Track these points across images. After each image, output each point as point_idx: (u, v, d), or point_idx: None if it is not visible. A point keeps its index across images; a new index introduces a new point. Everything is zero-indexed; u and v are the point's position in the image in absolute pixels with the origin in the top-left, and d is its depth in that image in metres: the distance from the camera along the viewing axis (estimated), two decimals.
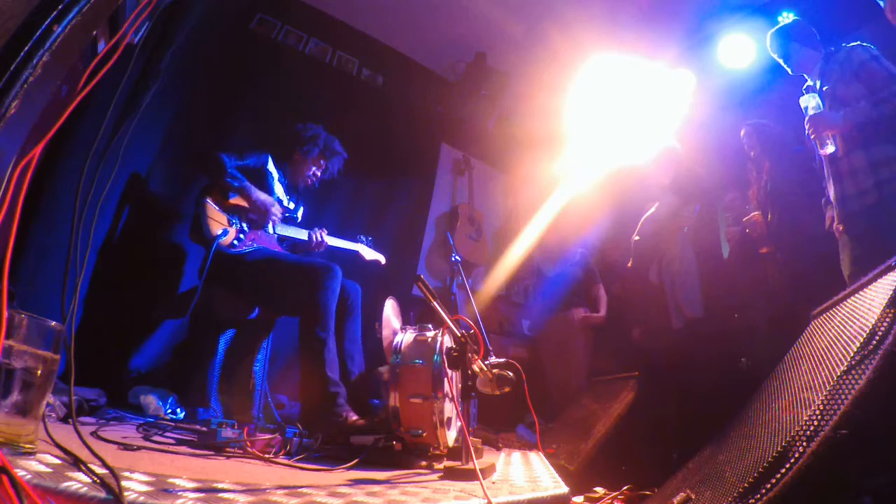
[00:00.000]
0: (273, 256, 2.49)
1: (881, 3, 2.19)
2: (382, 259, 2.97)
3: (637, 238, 3.44)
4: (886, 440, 0.89)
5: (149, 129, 2.73)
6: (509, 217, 4.93)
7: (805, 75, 2.49)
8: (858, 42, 2.28)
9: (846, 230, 2.27)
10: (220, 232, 2.38)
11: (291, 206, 2.79)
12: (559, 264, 3.98)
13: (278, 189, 2.71)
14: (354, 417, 2.02)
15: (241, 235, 2.47)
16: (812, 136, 2.26)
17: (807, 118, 2.28)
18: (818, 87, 2.39)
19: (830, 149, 2.20)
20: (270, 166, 2.67)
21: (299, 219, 2.85)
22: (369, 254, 2.92)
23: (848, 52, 2.27)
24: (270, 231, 2.61)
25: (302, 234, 2.73)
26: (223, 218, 2.45)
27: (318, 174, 2.87)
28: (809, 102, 2.32)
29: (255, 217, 2.53)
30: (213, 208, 2.44)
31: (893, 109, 2.09)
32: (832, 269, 2.34)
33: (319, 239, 2.73)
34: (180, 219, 2.98)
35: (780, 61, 2.56)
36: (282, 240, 2.68)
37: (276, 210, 2.58)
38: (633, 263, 3.51)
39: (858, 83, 2.20)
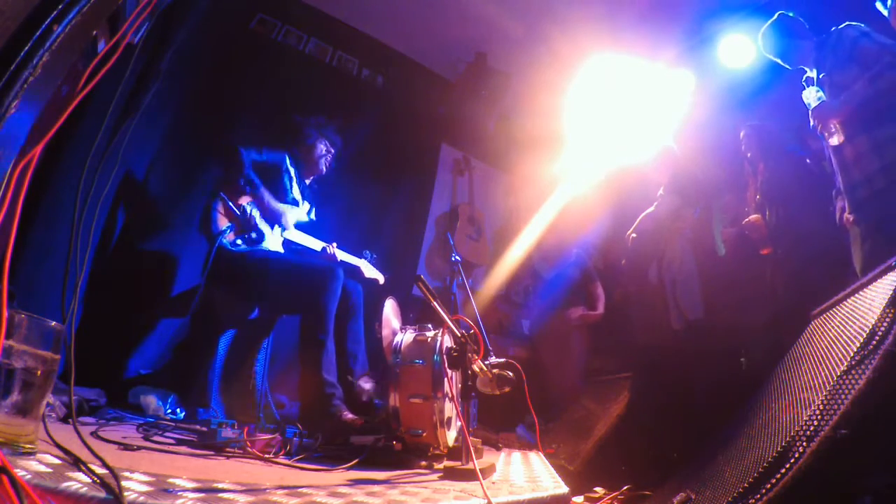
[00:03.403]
0: (275, 257, 2.49)
1: (884, 12, 2.18)
2: (381, 278, 2.96)
3: (634, 235, 3.43)
4: (886, 440, 0.89)
5: (149, 128, 2.73)
6: (509, 217, 4.92)
7: (804, 67, 2.47)
8: (847, 22, 2.25)
9: (856, 220, 2.21)
10: (224, 227, 2.38)
11: (306, 206, 2.78)
12: (556, 266, 3.98)
13: (295, 190, 2.70)
14: (351, 416, 2.02)
15: (251, 234, 2.47)
16: (819, 129, 2.23)
17: (810, 111, 2.27)
18: (815, 76, 2.37)
19: (837, 139, 2.15)
20: (288, 165, 2.66)
21: (313, 218, 2.84)
22: (370, 271, 2.92)
23: (838, 34, 2.24)
24: (276, 234, 2.60)
25: (315, 246, 2.73)
26: (231, 214, 2.45)
27: (328, 158, 2.85)
28: (811, 96, 2.30)
29: (265, 220, 2.52)
30: (224, 203, 2.44)
31: (889, 82, 2.03)
32: (832, 268, 2.34)
33: (332, 254, 2.73)
34: (180, 217, 2.98)
35: (777, 59, 2.55)
36: (286, 242, 2.67)
37: (287, 219, 2.57)
38: (629, 261, 3.51)
39: (854, 65, 2.16)
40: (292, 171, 2.70)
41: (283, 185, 2.64)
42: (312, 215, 2.84)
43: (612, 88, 3.53)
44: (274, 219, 2.53)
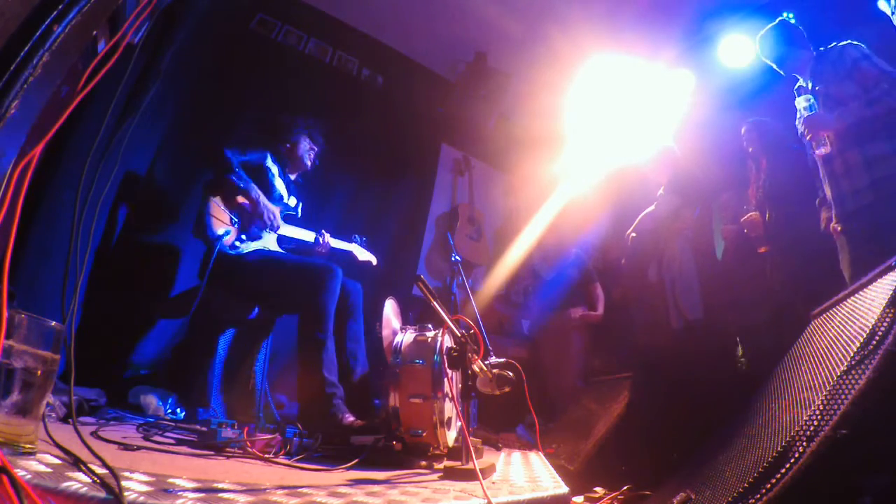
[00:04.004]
0: (273, 257, 2.50)
1: (887, 10, 2.18)
2: (374, 260, 2.99)
3: (633, 235, 3.44)
4: (886, 440, 0.89)
5: (149, 129, 2.73)
6: (509, 217, 4.92)
7: (797, 76, 2.48)
8: (849, 41, 2.27)
9: (844, 230, 2.24)
10: (222, 232, 2.38)
11: (293, 201, 2.80)
12: (556, 266, 3.98)
13: (279, 185, 2.71)
14: (351, 419, 2.02)
15: (243, 235, 2.47)
16: (807, 137, 2.25)
17: (800, 119, 2.27)
18: (810, 87, 2.38)
19: (825, 150, 2.19)
20: (270, 163, 2.68)
21: (299, 214, 2.86)
22: (362, 254, 2.94)
23: (839, 51, 2.25)
24: (271, 235, 2.61)
25: (308, 237, 2.73)
26: (226, 217, 2.45)
27: (311, 154, 2.88)
28: (803, 104, 2.31)
29: (256, 221, 2.53)
30: (217, 206, 2.44)
31: (886, 108, 2.06)
32: (831, 268, 2.34)
33: (325, 242, 2.74)
34: (180, 218, 2.98)
35: (773, 65, 2.55)
36: (281, 239, 2.68)
37: (277, 220, 2.59)
38: (628, 260, 3.51)
39: (851, 82, 2.18)
40: (275, 168, 2.71)
41: (269, 182, 2.65)
42: (299, 211, 2.85)
43: (612, 88, 3.53)
44: (266, 218, 2.54)
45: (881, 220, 2.07)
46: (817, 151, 2.22)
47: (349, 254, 2.90)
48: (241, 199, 2.50)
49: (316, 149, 2.90)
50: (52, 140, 0.94)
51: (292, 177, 2.86)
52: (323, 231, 2.77)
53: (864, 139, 2.13)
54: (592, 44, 3.48)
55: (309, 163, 2.88)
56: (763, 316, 2.88)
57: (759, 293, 2.97)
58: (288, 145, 2.81)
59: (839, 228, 2.27)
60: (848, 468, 0.88)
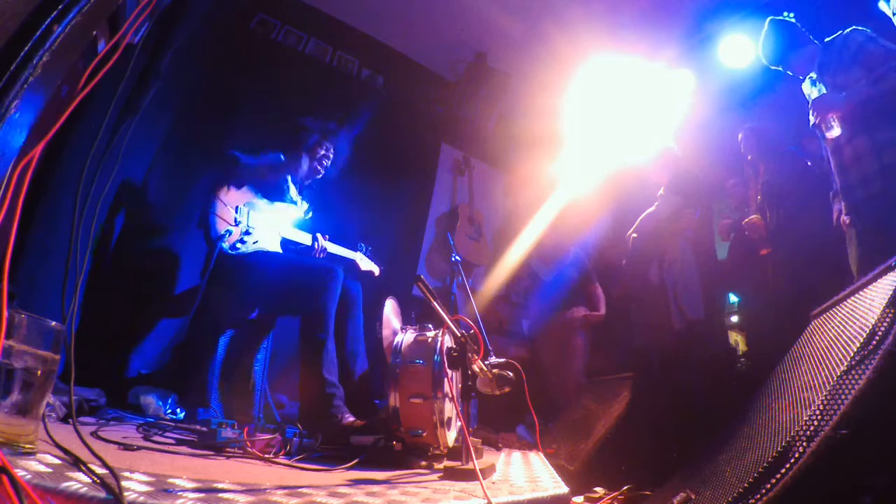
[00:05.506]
0: (274, 258, 2.50)
1: (888, 11, 2.17)
2: (377, 270, 2.96)
3: (634, 235, 3.43)
4: (886, 440, 0.89)
5: (149, 129, 2.73)
6: (509, 217, 4.92)
7: (809, 73, 2.46)
8: (853, 27, 2.24)
9: (852, 222, 2.20)
10: (223, 232, 2.38)
11: (304, 206, 2.78)
12: (555, 267, 3.98)
13: (292, 190, 2.71)
14: (351, 419, 2.02)
15: (245, 237, 2.47)
16: (817, 121, 2.21)
17: (810, 103, 2.25)
18: (820, 77, 2.36)
19: (836, 132, 2.14)
20: (283, 167, 2.67)
21: (310, 215, 2.84)
22: (365, 263, 2.92)
23: (844, 38, 2.24)
24: (274, 233, 2.61)
25: (305, 239, 2.72)
26: (230, 216, 2.45)
27: (327, 160, 2.84)
28: (812, 89, 2.28)
29: (262, 220, 2.52)
30: (221, 205, 2.43)
31: (893, 85, 2.03)
32: (831, 268, 2.34)
33: (321, 247, 2.73)
34: (181, 217, 2.98)
35: (780, 69, 2.53)
36: (284, 242, 2.67)
37: (283, 219, 2.57)
38: (629, 261, 3.51)
39: (858, 67, 2.16)
40: (289, 173, 2.70)
41: (280, 186, 2.64)
42: (309, 215, 2.84)
43: (612, 88, 3.54)
44: (270, 219, 2.53)
45: (891, 208, 2.02)
46: (827, 135, 2.18)
47: (351, 261, 2.88)
48: (246, 195, 2.49)
49: (331, 157, 2.84)
50: (52, 140, 0.94)
51: (306, 182, 2.83)
52: (318, 235, 2.74)
53: (873, 124, 2.09)
54: (592, 44, 3.48)
55: (323, 170, 2.83)
56: (763, 316, 2.88)
57: (759, 293, 2.97)
58: (303, 150, 2.77)
59: (847, 220, 2.23)
60: (848, 468, 0.88)
